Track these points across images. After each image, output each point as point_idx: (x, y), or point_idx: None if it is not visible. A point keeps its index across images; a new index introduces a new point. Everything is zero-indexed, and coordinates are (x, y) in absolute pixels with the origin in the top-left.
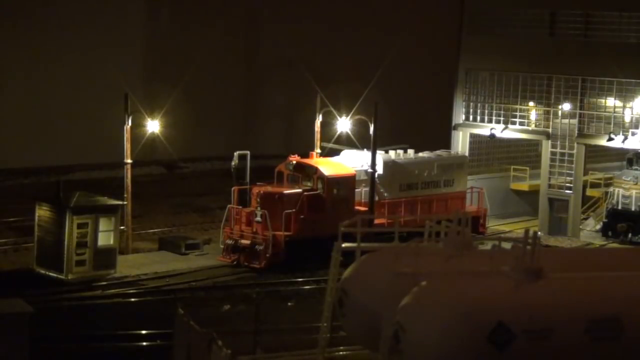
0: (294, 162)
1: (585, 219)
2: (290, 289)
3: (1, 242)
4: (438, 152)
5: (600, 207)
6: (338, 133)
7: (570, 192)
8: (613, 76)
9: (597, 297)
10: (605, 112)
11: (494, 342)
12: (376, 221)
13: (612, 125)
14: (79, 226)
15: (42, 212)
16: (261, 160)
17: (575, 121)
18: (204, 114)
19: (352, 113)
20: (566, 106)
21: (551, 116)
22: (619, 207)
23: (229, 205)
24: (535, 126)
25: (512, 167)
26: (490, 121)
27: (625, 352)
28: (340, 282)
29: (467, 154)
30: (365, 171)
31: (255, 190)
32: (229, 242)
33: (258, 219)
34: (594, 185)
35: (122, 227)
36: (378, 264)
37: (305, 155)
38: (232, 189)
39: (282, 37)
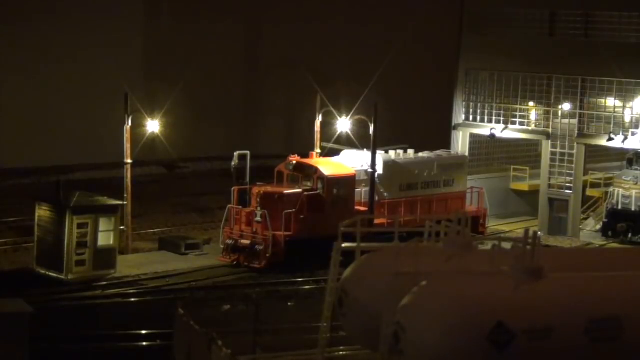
0: (294, 162)
1: (585, 219)
2: (290, 289)
3: (1, 242)
4: (438, 152)
5: (600, 207)
6: (338, 133)
7: (570, 192)
8: (613, 76)
9: (597, 297)
10: (605, 112)
11: (494, 342)
12: (376, 221)
13: (612, 125)
14: (79, 226)
15: (42, 212)
16: (261, 160)
17: (575, 121)
18: (204, 114)
19: (352, 113)
20: (566, 106)
21: (551, 116)
22: (619, 207)
23: (229, 205)
24: (535, 126)
25: (512, 167)
26: (490, 121)
27: (625, 352)
28: (340, 282)
29: (467, 154)
30: (365, 171)
31: (255, 190)
32: (229, 242)
33: (258, 219)
34: (594, 185)
35: (122, 227)
36: (378, 264)
37: (305, 155)
38: (232, 189)
39: (282, 37)
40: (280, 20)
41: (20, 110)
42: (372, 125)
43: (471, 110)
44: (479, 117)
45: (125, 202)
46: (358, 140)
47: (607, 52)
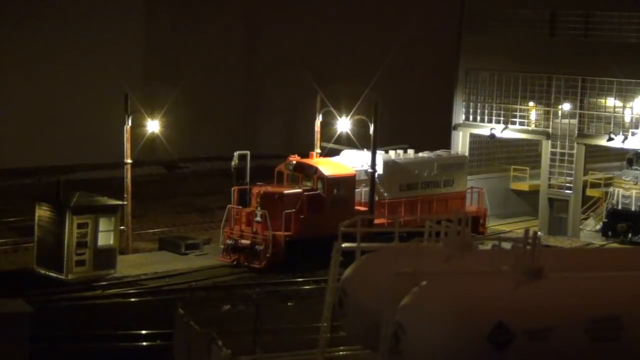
0: (294, 162)
1: (585, 219)
2: (290, 289)
3: (1, 242)
4: (438, 152)
5: (600, 207)
6: (338, 133)
7: (570, 192)
8: (613, 76)
9: (597, 297)
10: (605, 112)
11: (494, 342)
12: (376, 221)
13: (612, 125)
14: (79, 226)
15: (42, 212)
16: (261, 160)
17: (575, 121)
18: (204, 114)
19: (352, 113)
20: (566, 106)
21: (551, 116)
22: (619, 207)
23: (229, 205)
24: (535, 126)
25: (512, 167)
26: (490, 121)
27: (625, 352)
28: (340, 282)
29: (467, 154)
30: (365, 171)
31: (255, 190)
32: (229, 242)
33: (258, 219)
34: (594, 185)
35: (122, 227)
36: (378, 264)
37: (305, 155)
38: (232, 189)
39: (282, 37)
40: (280, 20)
41: (20, 110)
42: (372, 125)
43: (471, 110)
44: (479, 117)
45: (125, 202)
46: (358, 140)
47: (607, 52)
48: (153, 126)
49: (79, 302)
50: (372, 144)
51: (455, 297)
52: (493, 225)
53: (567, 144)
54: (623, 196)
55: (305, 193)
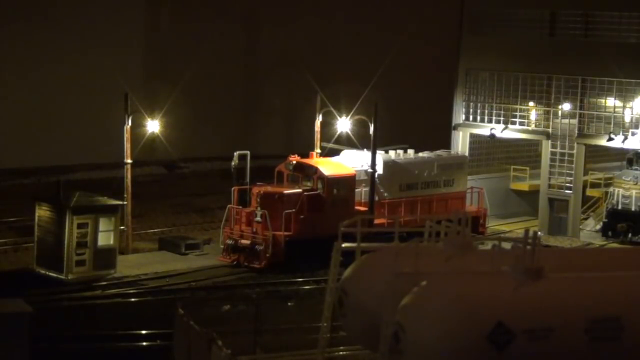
0: (294, 162)
1: (585, 219)
2: (290, 289)
3: (1, 242)
4: (438, 152)
5: (600, 207)
6: (338, 133)
7: (570, 192)
8: (613, 76)
9: (597, 297)
10: (605, 112)
11: (494, 342)
12: (376, 221)
13: (612, 125)
14: (79, 226)
15: (42, 212)
16: (261, 160)
17: (575, 121)
18: (204, 114)
19: (352, 113)
20: (566, 106)
21: (551, 116)
22: (619, 207)
23: (229, 205)
24: (535, 126)
25: (512, 167)
26: (490, 121)
27: (625, 352)
28: (340, 282)
29: (467, 154)
30: (365, 171)
31: (255, 190)
32: (229, 242)
33: (258, 219)
34: (594, 185)
35: (122, 227)
36: (378, 264)
37: (305, 155)
38: (232, 189)
39: (282, 36)
40: (280, 20)
41: (20, 110)
42: (372, 125)
43: (471, 110)
44: (479, 117)
45: (125, 202)
46: (358, 140)
47: (607, 52)
48: (153, 126)
49: (79, 302)
50: (372, 144)
51: (455, 297)
52: (493, 225)
53: (567, 144)
54: (623, 196)
55: (305, 193)
